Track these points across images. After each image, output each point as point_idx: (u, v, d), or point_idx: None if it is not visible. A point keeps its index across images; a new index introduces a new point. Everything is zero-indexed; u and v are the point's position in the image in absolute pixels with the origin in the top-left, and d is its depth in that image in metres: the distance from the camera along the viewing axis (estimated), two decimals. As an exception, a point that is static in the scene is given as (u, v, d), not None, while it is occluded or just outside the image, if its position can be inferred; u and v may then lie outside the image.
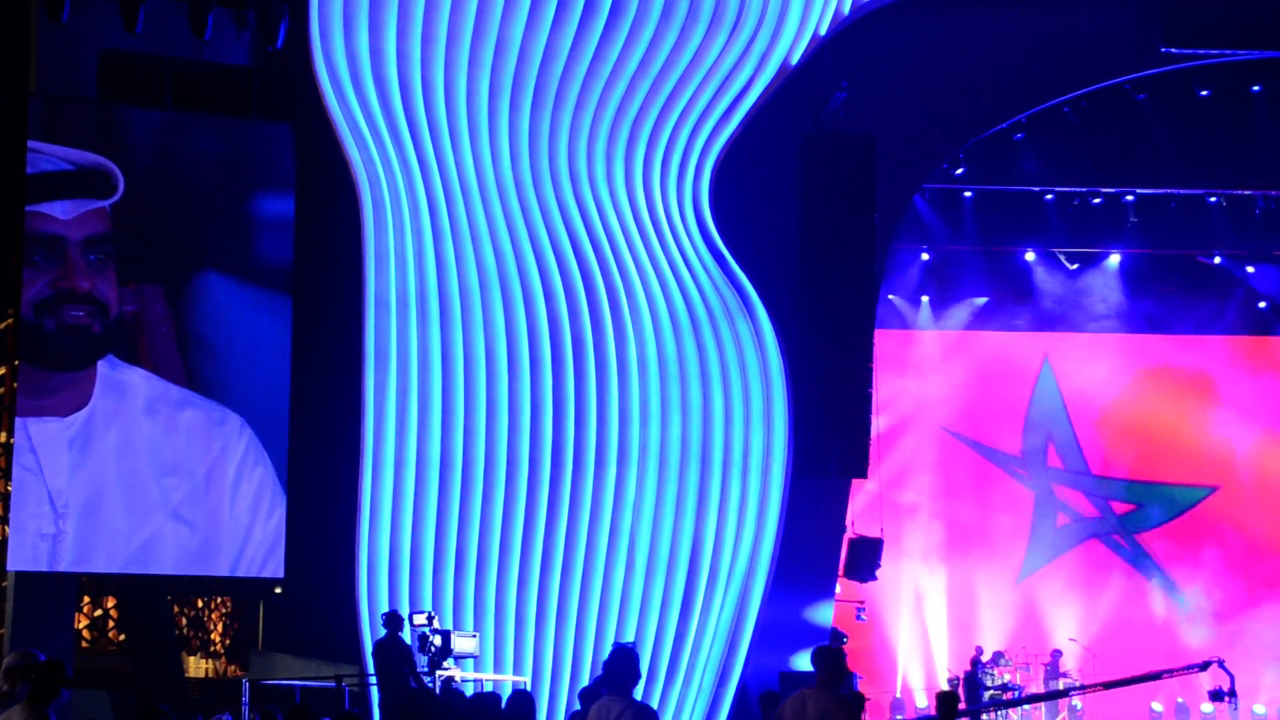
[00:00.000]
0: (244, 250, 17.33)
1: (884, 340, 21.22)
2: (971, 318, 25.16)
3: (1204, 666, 18.31)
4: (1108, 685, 18.63)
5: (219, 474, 16.85)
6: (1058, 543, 24.98)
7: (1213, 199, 22.91)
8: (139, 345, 16.82)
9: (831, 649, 8.72)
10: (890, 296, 24.47)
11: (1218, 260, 24.38)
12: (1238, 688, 18.15)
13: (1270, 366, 25.27)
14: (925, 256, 24.14)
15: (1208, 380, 25.36)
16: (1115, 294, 24.81)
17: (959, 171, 21.90)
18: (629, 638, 18.03)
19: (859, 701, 8.38)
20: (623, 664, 8.12)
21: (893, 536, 21.16)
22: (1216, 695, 18.26)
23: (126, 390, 16.72)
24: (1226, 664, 18.08)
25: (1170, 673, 19.15)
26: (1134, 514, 25.00)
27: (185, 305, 17.04)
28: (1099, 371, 25.03)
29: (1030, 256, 24.36)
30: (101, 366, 16.60)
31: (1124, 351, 25.18)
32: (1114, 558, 24.93)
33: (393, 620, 15.36)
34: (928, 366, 25.04)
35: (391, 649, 15.16)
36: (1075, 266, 24.53)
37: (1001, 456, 25.11)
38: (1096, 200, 23.02)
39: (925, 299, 24.81)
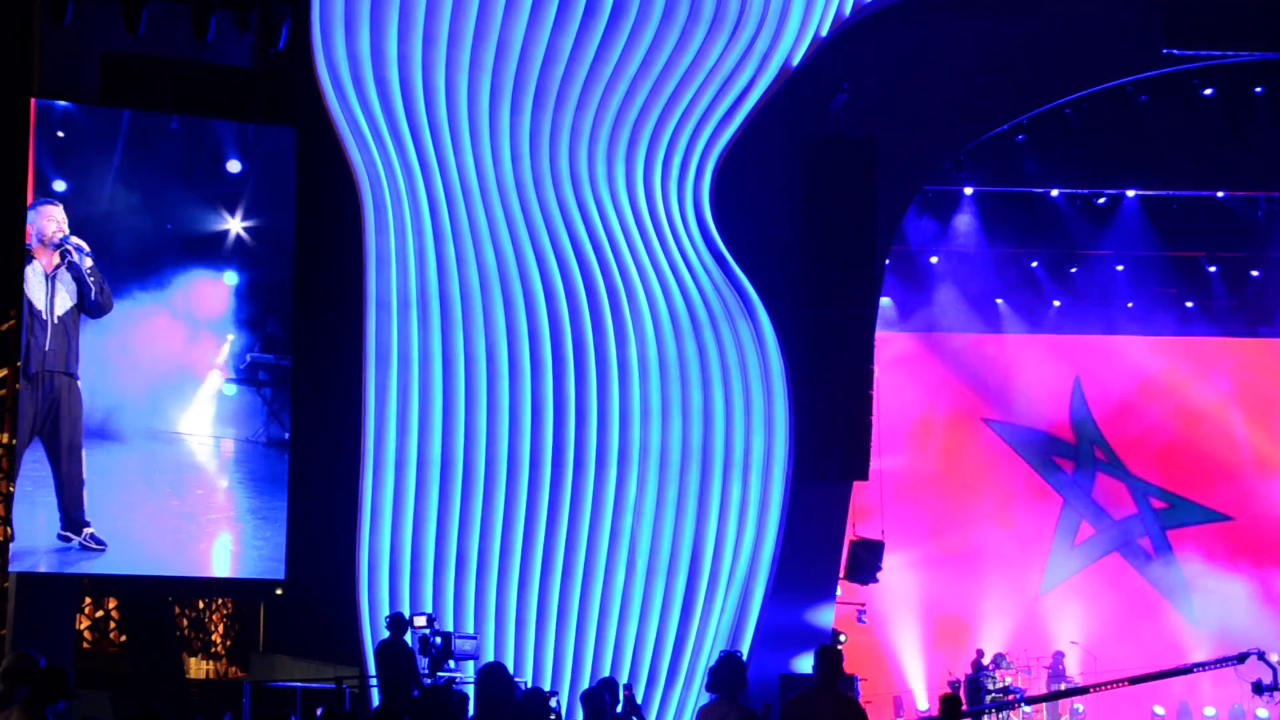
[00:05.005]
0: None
1: (891, 341, 21.15)
2: (976, 319, 25.17)
3: (1241, 659, 17.92)
4: (1134, 680, 18.37)
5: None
6: (1079, 556, 25.04)
7: (1220, 195, 22.90)
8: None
9: (827, 646, 8.90)
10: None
11: (1213, 269, 24.36)
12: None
13: (1270, 369, 25.33)
14: (935, 259, 24.14)
15: (1212, 383, 25.42)
16: (1114, 296, 24.80)
17: (960, 173, 21.88)
18: (629, 640, 18.04)
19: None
20: (730, 670, 8.58)
21: (896, 538, 21.09)
22: (1258, 688, 17.79)
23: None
24: (1267, 655, 17.78)
25: (1204, 666, 18.93)
26: (1168, 511, 25.10)
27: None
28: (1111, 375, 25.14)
29: (1033, 264, 24.39)
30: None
31: (1126, 354, 25.22)
32: (1135, 575, 25.04)
33: (396, 622, 15.35)
34: (928, 366, 25.04)
35: (393, 651, 15.16)
36: (1074, 270, 24.52)
37: (1046, 442, 25.14)
38: (1101, 201, 23.00)
39: (939, 300, 24.84)
